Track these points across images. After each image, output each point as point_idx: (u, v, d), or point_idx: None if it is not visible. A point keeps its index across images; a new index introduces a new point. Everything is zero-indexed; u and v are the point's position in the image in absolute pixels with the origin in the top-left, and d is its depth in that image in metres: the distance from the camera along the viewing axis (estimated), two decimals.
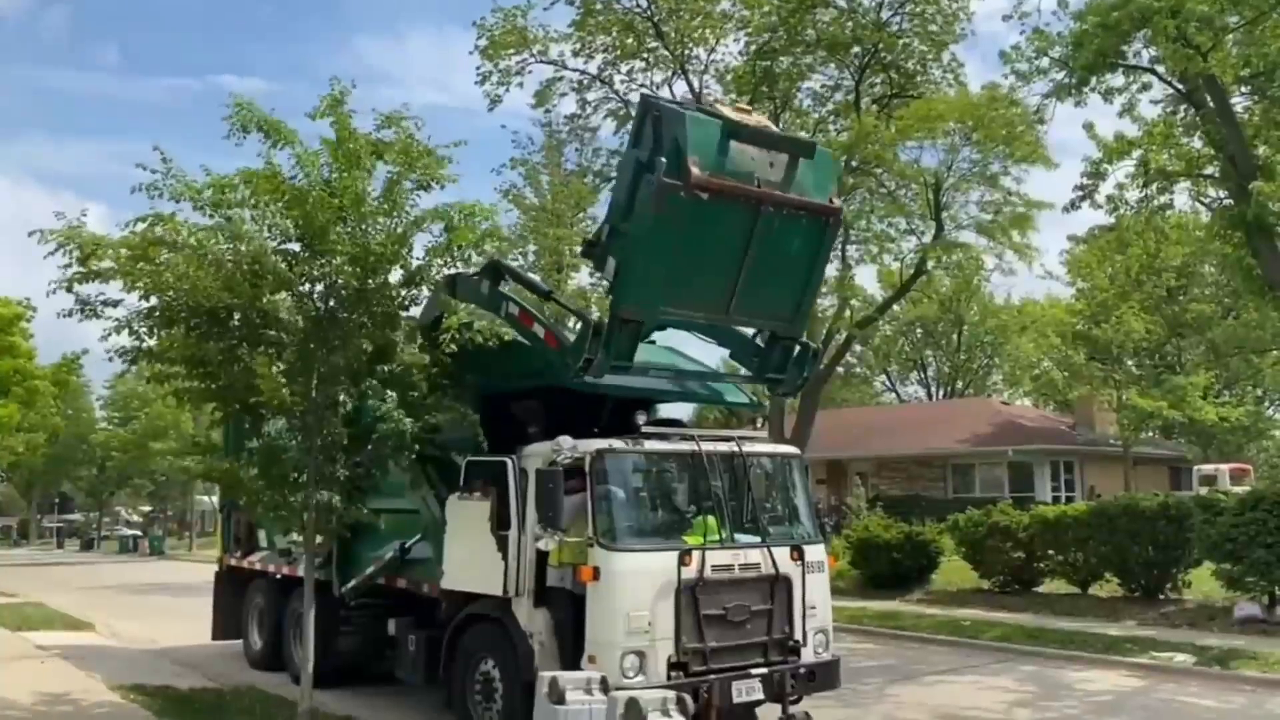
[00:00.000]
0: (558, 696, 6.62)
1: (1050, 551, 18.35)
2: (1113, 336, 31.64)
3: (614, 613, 8.12)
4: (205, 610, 14.69)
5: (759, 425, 10.80)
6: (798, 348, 10.00)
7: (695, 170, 8.23)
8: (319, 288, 9.34)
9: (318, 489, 9.31)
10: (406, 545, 10.44)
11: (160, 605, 22.20)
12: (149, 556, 45.99)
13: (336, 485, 9.41)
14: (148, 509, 66.17)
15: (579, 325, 9.12)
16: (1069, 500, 28.68)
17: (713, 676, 8.22)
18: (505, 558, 8.90)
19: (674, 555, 8.35)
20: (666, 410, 11.05)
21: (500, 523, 9.00)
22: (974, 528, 19.24)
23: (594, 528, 8.48)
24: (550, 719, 6.61)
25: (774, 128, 9.28)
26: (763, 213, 8.75)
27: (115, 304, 9.33)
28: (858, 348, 47.43)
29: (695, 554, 8.44)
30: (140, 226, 8.86)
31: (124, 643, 15.67)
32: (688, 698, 6.26)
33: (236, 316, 9.35)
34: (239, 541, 14.28)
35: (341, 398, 9.49)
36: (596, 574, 8.27)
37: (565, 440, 8.53)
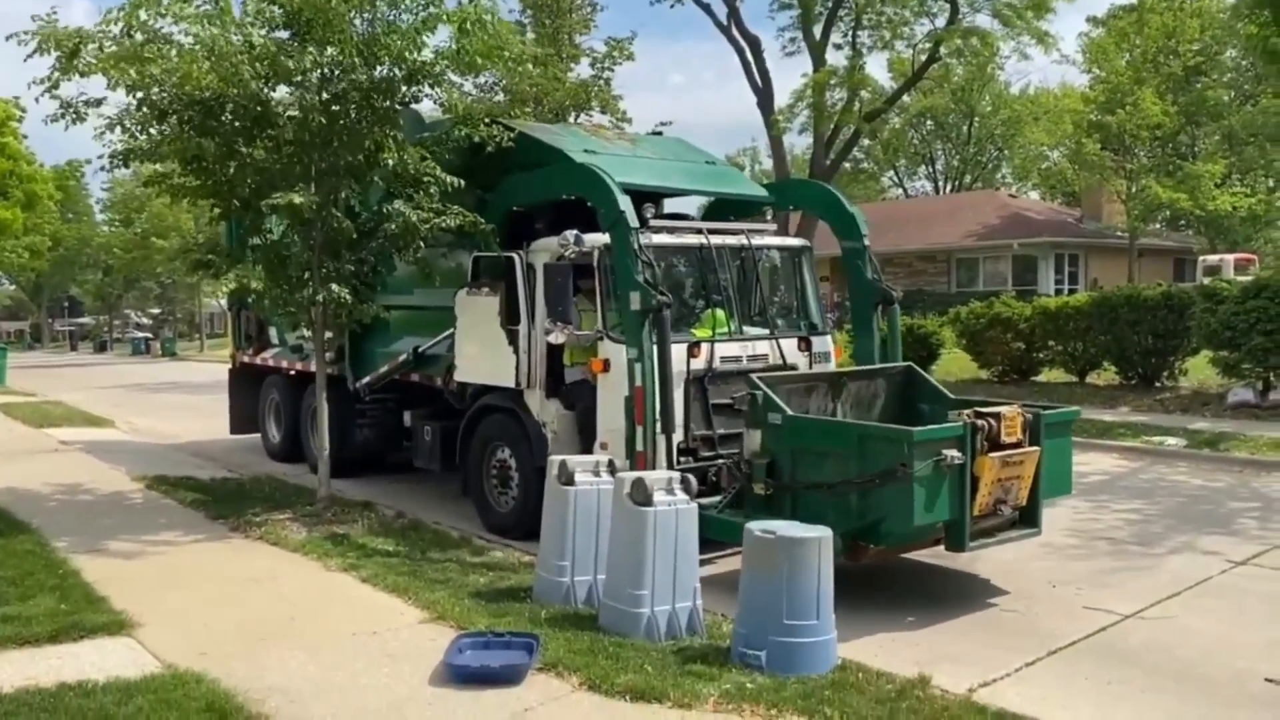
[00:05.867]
0: (567, 478, 6.84)
1: (1050, 342, 18.57)
2: (1127, 123, 30.82)
3: (623, 401, 8.26)
4: (220, 407, 15.00)
5: (768, 218, 10.56)
6: None
7: None
8: (314, 77, 9.03)
9: (324, 285, 9.31)
10: (421, 350, 10.54)
11: (176, 403, 22.73)
12: (161, 358, 46.80)
13: (343, 281, 9.42)
14: (156, 311, 66.75)
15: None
16: (1072, 293, 28.75)
17: (720, 461, 8.48)
18: (516, 351, 9.04)
19: (683, 347, 8.43)
20: (675, 205, 10.89)
21: (510, 317, 9.09)
22: (975, 319, 19.41)
23: (603, 321, 8.55)
24: (560, 499, 6.85)
25: None
26: None
27: (98, 103, 9.03)
28: (865, 142, 46.40)
29: (704, 346, 8.54)
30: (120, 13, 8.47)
31: (143, 438, 16.09)
32: (692, 478, 6.45)
33: (230, 109, 9.08)
34: (250, 339, 14.42)
35: (344, 193, 9.36)
36: (607, 366, 8.39)
37: (571, 234, 8.42)
